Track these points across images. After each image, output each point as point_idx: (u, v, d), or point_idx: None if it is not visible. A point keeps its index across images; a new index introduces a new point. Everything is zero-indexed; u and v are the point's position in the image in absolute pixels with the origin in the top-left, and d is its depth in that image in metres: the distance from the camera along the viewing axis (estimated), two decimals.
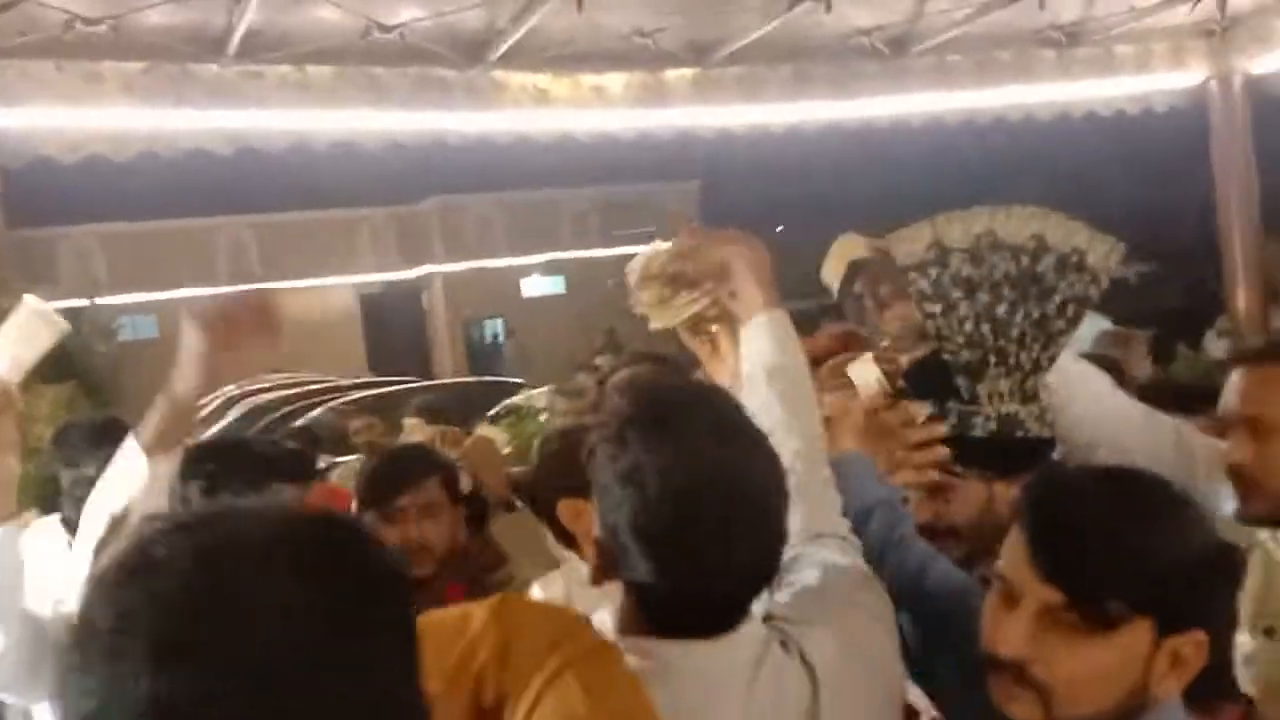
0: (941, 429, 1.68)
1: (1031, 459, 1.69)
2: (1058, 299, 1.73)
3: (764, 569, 1.24)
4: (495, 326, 24.30)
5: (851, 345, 2.60)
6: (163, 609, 0.60)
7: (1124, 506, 1.12)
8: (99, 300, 13.08)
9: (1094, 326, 6.17)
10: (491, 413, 7.93)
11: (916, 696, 1.61)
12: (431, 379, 17.55)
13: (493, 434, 4.59)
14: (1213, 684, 1.16)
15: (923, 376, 1.80)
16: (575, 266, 23.73)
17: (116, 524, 1.33)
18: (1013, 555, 1.17)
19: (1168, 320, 6.30)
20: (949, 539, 1.76)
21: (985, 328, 1.72)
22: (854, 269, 2.33)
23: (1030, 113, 5.99)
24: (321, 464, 4.29)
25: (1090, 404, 1.73)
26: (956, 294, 1.75)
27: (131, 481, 1.36)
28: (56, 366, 9.63)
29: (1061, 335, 1.73)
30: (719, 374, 1.66)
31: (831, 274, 2.50)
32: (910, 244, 1.78)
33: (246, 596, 0.61)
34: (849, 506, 1.49)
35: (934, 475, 1.69)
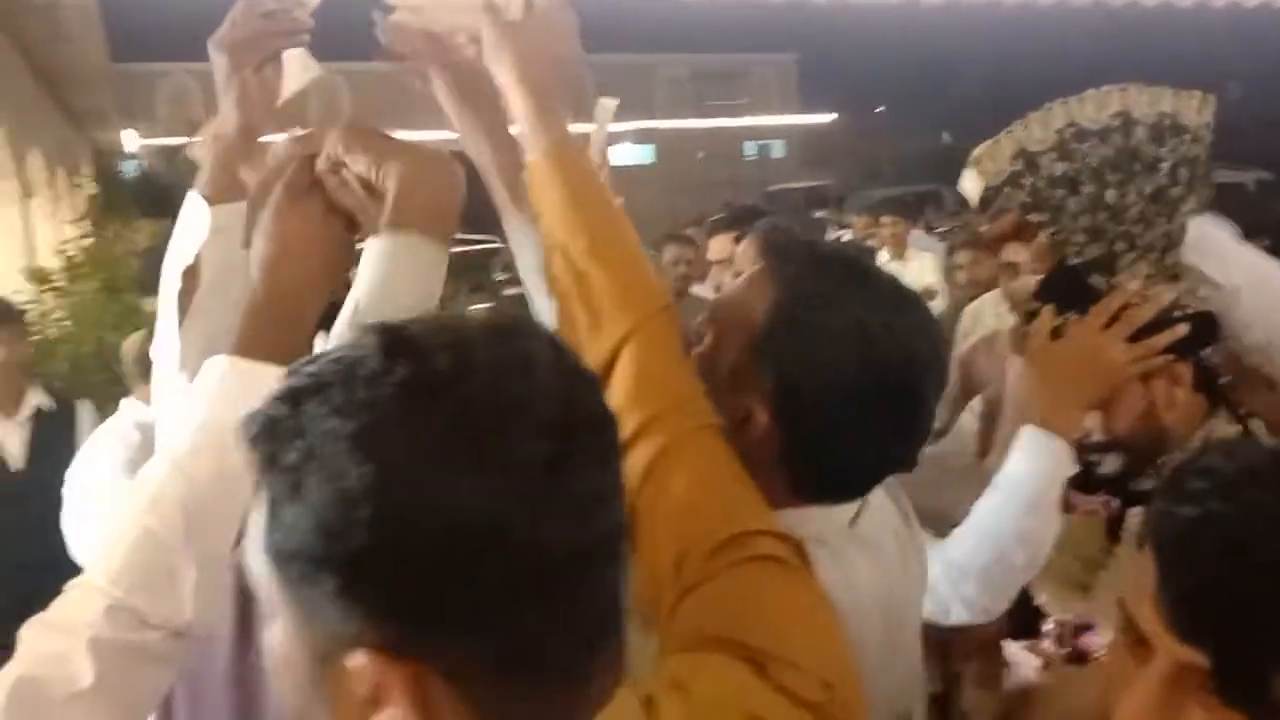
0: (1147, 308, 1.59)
1: (1197, 336, 1.61)
2: (1165, 167, 1.64)
3: (928, 432, 1.20)
4: None
5: (1024, 232, 2.56)
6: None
7: None
8: (197, 139, 13.28)
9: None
10: None
11: None
12: None
13: None
14: None
15: (1056, 289, 1.73)
16: (666, 136, 23.35)
17: (189, 275, 1.27)
18: (1139, 592, 0.81)
19: None
20: (1105, 452, 1.72)
21: (1102, 216, 1.64)
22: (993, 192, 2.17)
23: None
24: None
25: (1260, 298, 1.62)
26: (1059, 193, 1.70)
27: (197, 232, 1.29)
28: (154, 202, 9.91)
29: (1182, 202, 1.63)
30: None
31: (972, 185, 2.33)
32: (994, 162, 1.72)
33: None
34: None
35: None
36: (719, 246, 3.13)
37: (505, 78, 1.10)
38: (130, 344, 2.85)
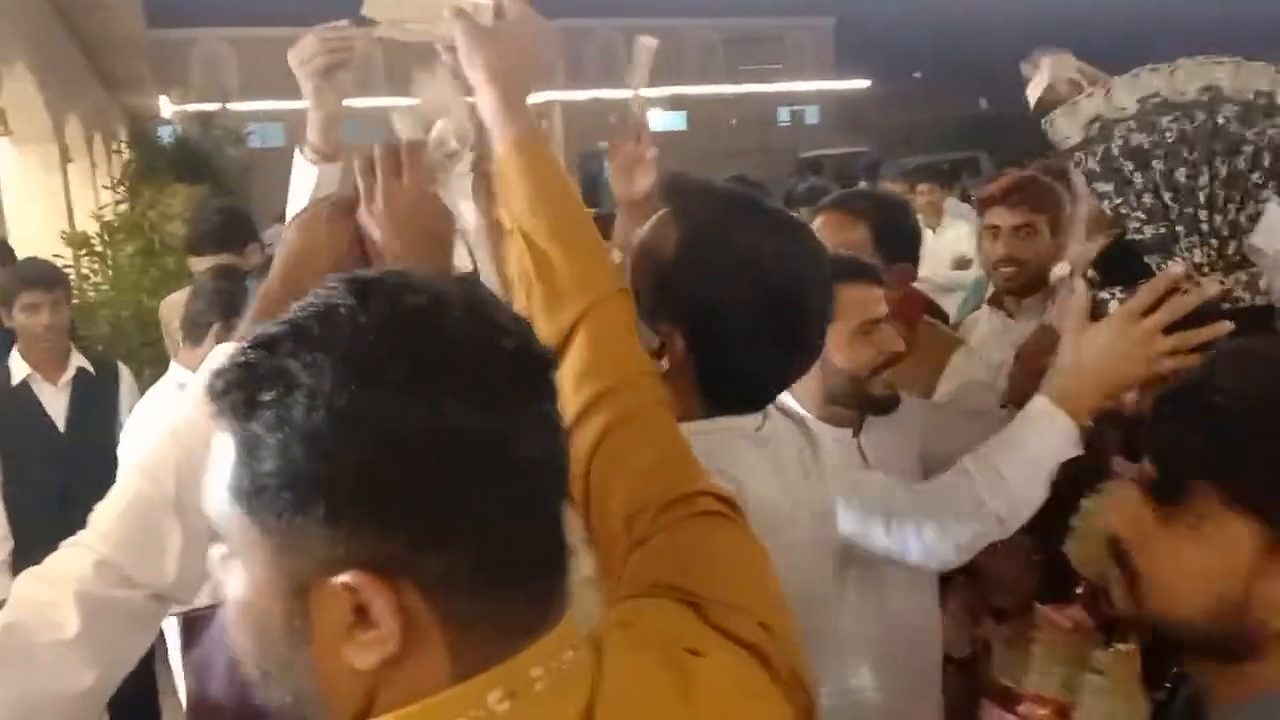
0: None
1: (1247, 329, 1.55)
2: (1248, 150, 1.53)
3: (817, 350, 1.35)
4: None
5: (1009, 198, 2.53)
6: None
7: (1267, 390, 0.96)
8: (230, 106, 13.37)
9: None
10: None
11: None
12: None
13: None
14: None
15: (1109, 264, 1.66)
16: (698, 102, 23.17)
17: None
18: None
19: None
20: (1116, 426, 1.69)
21: (1167, 196, 1.55)
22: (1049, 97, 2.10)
23: None
24: None
25: None
26: (1129, 166, 1.61)
27: (307, 186, 1.62)
28: (189, 167, 9.99)
29: (1260, 189, 1.53)
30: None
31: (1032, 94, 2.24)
32: (1068, 124, 1.64)
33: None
34: None
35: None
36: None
37: (476, 78, 1.18)
38: (169, 305, 2.88)
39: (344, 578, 0.62)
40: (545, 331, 1.07)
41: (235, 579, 0.67)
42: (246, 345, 0.66)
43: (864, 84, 33.57)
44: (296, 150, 1.70)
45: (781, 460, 1.33)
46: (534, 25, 1.24)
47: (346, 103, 1.63)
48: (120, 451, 2.43)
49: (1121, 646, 1.65)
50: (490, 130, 1.18)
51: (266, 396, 0.63)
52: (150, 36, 11.33)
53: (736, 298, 1.24)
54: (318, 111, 1.65)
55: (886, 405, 1.76)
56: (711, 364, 1.27)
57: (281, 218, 1.59)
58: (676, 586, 0.88)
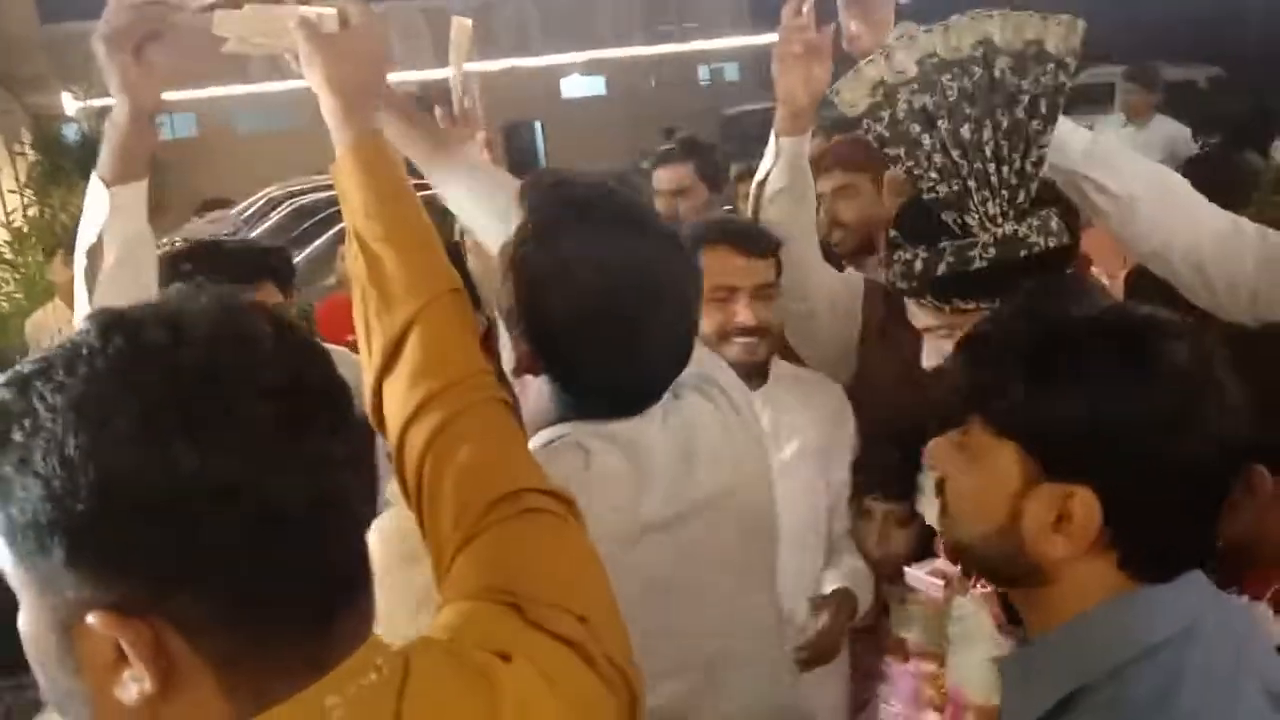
0: None
1: (1045, 271, 1.63)
2: (1025, 99, 1.60)
3: (682, 355, 1.30)
4: (535, 129, 23.86)
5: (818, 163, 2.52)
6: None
7: (1041, 336, 1.01)
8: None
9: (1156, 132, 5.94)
10: None
11: None
12: None
13: None
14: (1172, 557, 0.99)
15: (909, 223, 1.71)
16: (616, 66, 23.00)
17: (93, 255, 1.36)
18: None
19: (1235, 127, 6.02)
20: None
21: (955, 154, 1.62)
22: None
23: None
24: None
25: (1158, 208, 1.60)
26: (916, 128, 1.64)
27: (98, 214, 1.37)
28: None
29: (1040, 135, 1.61)
30: None
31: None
32: (853, 91, 1.68)
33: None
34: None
35: None
36: (667, 177, 3.27)
37: (315, 84, 1.21)
38: (35, 325, 2.80)
39: (90, 618, 0.63)
40: (379, 338, 1.09)
41: (20, 613, 0.69)
42: (3, 382, 0.66)
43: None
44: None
45: (659, 460, 1.27)
46: (375, 32, 1.26)
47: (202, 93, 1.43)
48: None
49: (976, 590, 1.69)
50: (331, 134, 1.20)
51: (16, 437, 0.63)
52: (45, 32, 10.91)
53: (547, 305, 1.23)
54: (122, 108, 1.35)
55: (744, 373, 1.71)
56: (555, 371, 1.26)
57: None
58: (497, 588, 0.89)
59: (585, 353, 1.23)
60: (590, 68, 23.58)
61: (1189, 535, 0.99)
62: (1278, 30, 6.65)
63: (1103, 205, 1.65)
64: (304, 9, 1.24)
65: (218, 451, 0.64)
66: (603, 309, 1.21)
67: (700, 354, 1.39)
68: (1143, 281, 1.74)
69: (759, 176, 2.03)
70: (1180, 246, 1.61)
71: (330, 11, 1.24)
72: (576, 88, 24.19)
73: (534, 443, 1.27)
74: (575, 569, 0.96)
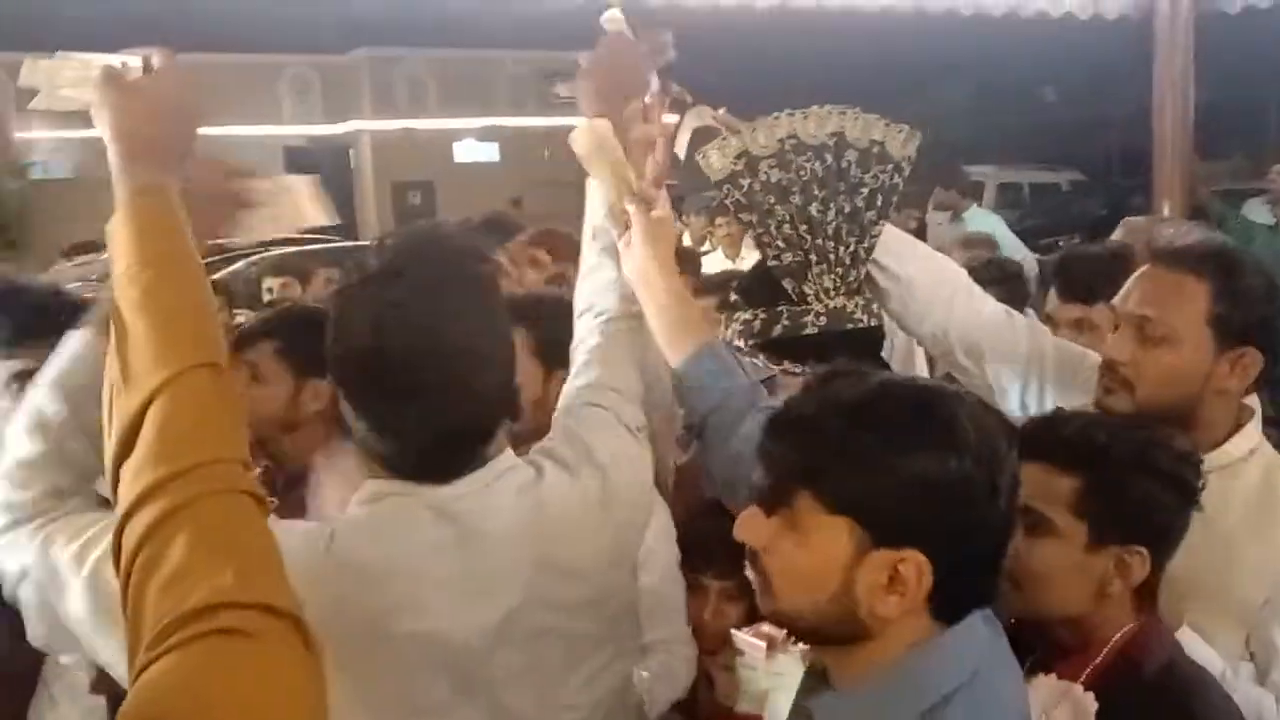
0: None
1: (862, 348, 1.79)
2: (865, 191, 1.79)
3: (465, 422, 1.26)
4: (424, 191, 23.73)
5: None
6: None
7: (852, 409, 1.07)
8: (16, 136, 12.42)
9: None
10: None
11: None
12: (358, 240, 17.16)
13: None
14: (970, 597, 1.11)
15: (752, 285, 1.87)
16: (511, 134, 23.17)
17: None
18: None
19: (1093, 227, 6.42)
20: None
21: (802, 229, 1.78)
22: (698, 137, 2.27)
23: (980, 7, 5.92)
24: (236, 319, 4.15)
25: (933, 291, 1.80)
26: (770, 200, 1.79)
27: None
28: None
29: (874, 225, 1.80)
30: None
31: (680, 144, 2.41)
32: (719, 158, 1.85)
33: None
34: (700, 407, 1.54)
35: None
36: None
37: (100, 128, 1.16)
38: None
39: None
40: (118, 420, 0.96)
41: None
42: None
43: (673, 118, 34.39)
44: None
45: (461, 521, 1.26)
46: (176, 83, 1.21)
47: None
48: None
49: (794, 648, 1.73)
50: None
51: None
52: None
53: (332, 358, 1.25)
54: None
55: None
56: (361, 426, 1.25)
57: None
58: None
59: (375, 415, 1.24)
60: (485, 134, 23.69)
61: (988, 582, 1.11)
62: (1138, 138, 7.16)
63: (884, 284, 1.83)
64: (109, 57, 1.21)
65: None
66: (380, 367, 1.21)
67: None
68: None
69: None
70: (956, 331, 1.81)
71: (135, 61, 1.21)
72: (470, 153, 24.22)
73: (361, 494, 1.27)
74: (249, 701, 0.81)
